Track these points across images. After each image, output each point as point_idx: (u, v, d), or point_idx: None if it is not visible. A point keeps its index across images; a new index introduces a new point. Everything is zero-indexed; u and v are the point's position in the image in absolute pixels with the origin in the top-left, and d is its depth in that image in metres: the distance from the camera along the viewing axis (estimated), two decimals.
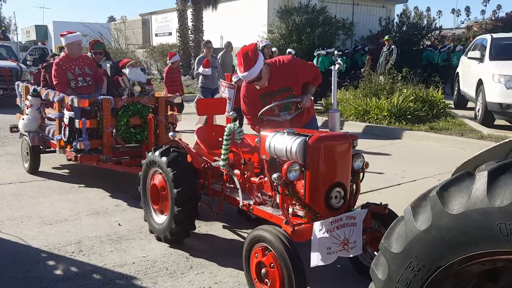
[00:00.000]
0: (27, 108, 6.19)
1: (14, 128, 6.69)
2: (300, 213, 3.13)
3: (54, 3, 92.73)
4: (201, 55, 10.17)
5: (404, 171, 6.41)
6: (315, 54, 13.31)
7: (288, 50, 14.92)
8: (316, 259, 2.81)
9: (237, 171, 3.74)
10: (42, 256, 3.82)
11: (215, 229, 4.44)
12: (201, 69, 9.39)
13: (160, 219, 4.11)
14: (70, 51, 5.85)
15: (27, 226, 4.45)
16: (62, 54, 6.10)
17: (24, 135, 6.28)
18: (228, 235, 4.34)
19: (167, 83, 9.56)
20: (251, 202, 3.51)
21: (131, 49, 26.97)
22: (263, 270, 2.98)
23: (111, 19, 40.79)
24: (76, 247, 3.99)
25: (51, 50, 20.60)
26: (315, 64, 12.58)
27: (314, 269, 2.90)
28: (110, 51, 19.86)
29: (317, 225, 2.82)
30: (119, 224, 4.53)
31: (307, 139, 2.99)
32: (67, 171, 6.54)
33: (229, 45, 13.49)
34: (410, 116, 9.61)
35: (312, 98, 4.22)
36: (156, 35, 30.13)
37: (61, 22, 31.93)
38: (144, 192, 4.29)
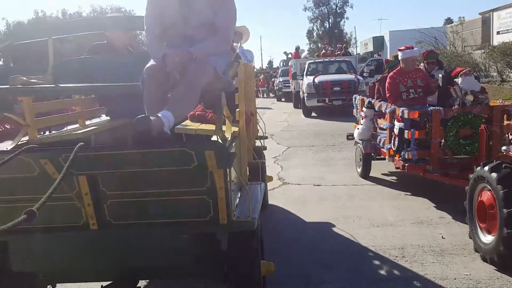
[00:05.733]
0: (362, 119, 6.87)
1: (350, 136, 7.51)
2: None
3: (392, 13, 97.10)
4: None
5: None
6: None
7: None
8: None
9: None
10: (368, 255, 4.22)
11: None
12: None
13: (487, 238, 3.87)
14: (405, 65, 6.16)
15: (358, 225, 4.98)
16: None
17: (358, 143, 6.99)
18: None
19: None
20: None
21: (468, 51, 25.56)
22: None
23: (448, 21, 39.54)
24: (399, 252, 4.22)
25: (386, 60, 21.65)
26: None
27: None
28: (445, 55, 19.45)
29: None
30: (442, 237, 4.51)
31: None
32: (394, 178, 6.90)
33: None
34: None
35: None
36: (498, 33, 27.50)
37: (396, 31, 33.20)
38: (470, 208, 4.13)
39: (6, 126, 4.78)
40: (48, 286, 3.18)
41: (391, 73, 6.28)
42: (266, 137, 5.49)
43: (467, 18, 31.07)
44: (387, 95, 6.14)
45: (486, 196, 3.86)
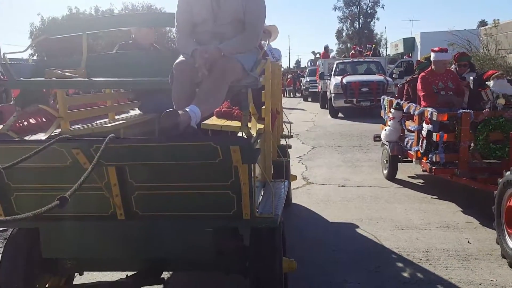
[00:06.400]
0: (390, 120, 6.79)
1: (377, 138, 7.45)
2: None
3: (424, 14, 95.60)
4: None
5: None
6: None
7: None
8: None
9: None
10: (392, 257, 4.19)
11: None
12: None
13: None
14: (436, 67, 6.08)
15: (382, 227, 4.93)
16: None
17: (385, 144, 6.91)
18: None
19: None
20: None
21: (501, 55, 24.86)
22: None
23: (482, 23, 38.52)
24: (423, 255, 4.17)
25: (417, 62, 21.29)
26: None
27: None
28: (477, 58, 18.95)
29: None
30: (468, 242, 4.43)
31: None
32: (421, 181, 6.80)
33: None
34: None
35: None
36: None
37: (428, 33, 32.54)
38: (498, 213, 4.05)
39: (38, 119, 4.95)
40: (76, 274, 3.29)
41: (422, 73, 6.20)
42: (291, 136, 5.50)
43: (502, 21, 30.22)
44: (422, 94, 6.01)
45: None
